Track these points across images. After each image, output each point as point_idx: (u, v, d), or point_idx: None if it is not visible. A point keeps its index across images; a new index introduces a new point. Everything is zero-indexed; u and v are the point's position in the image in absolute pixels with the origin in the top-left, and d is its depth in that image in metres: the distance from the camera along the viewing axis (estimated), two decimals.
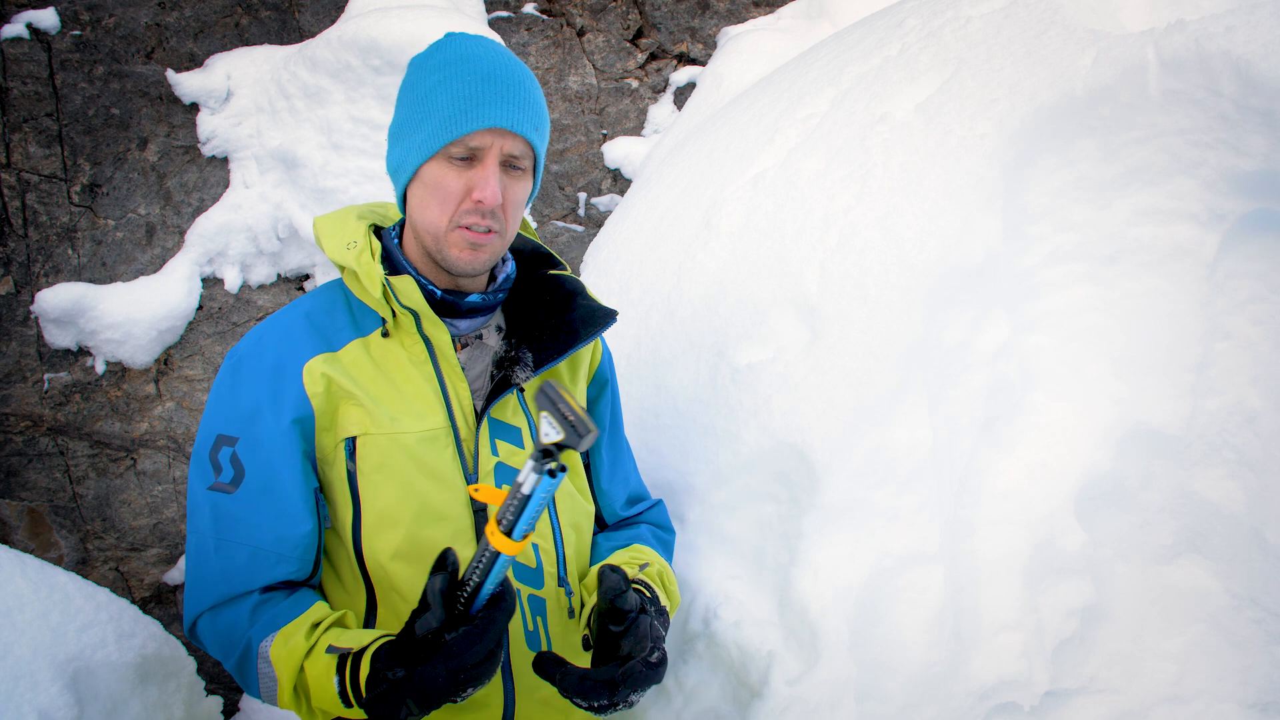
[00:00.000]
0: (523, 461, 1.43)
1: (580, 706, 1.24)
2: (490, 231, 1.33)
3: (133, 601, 3.14)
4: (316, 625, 1.29)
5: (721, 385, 1.92)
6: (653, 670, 1.25)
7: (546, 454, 1.10)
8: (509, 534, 1.12)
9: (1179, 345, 1.95)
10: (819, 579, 1.72)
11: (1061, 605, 1.92)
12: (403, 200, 1.41)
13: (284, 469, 1.32)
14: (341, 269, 1.42)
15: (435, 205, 1.33)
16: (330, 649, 1.24)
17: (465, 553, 1.36)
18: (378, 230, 1.48)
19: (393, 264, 1.42)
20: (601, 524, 1.64)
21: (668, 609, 1.46)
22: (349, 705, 1.19)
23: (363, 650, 1.20)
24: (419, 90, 1.35)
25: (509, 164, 1.34)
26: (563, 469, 1.10)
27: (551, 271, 1.54)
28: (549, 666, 1.25)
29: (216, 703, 2.34)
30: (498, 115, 1.30)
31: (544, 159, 1.43)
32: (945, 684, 1.78)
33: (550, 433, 1.10)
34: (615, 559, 1.52)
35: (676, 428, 1.98)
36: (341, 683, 1.19)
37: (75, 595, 1.78)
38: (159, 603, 3.19)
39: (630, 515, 1.66)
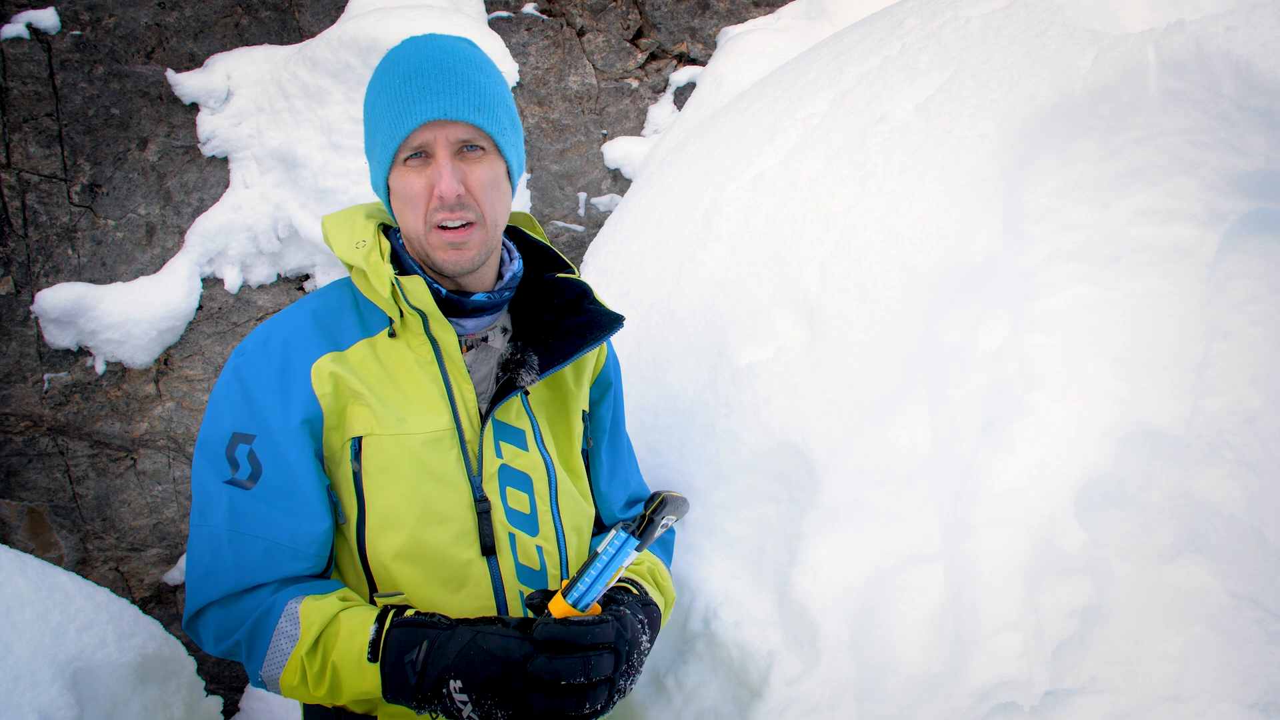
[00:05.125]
0: (526, 464, 1.44)
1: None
2: (468, 225, 1.33)
3: (133, 601, 3.14)
4: (348, 599, 1.32)
5: (721, 385, 1.92)
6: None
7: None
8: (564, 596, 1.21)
9: (1179, 345, 1.95)
10: (819, 579, 1.72)
11: (1061, 605, 1.92)
12: (392, 213, 1.42)
13: (300, 467, 1.32)
14: (350, 268, 1.42)
15: (409, 212, 1.34)
16: (380, 596, 1.33)
17: (467, 554, 1.37)
18: (386, 230, 1.49)
19: (401, 264, 1.42)
20: (600, 526, 1.64)
21: (658, 603, 1.46)
22: (374, 659, 1.21)
23: (408, 607, 1.28)
24: (368, 107, 1.39)
25: (465, 149, 1.34)
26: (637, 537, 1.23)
27: (559, 275, 1.54)
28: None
29: (216, 703, 2.34)
30: (427, 109, 1.30)
31: (510, 134, 1.40)
32: (945, 684, 1.78)
33: (668, 520, 1.24)
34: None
35: (676, 428, 1.98)
36: (379, 630, 1.22)
37: (75, 595, 1.78)
38: (159, 603, 3.19)
39: (628, 518, 1.66)
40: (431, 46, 1.36)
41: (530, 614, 1.30)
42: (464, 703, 1.15)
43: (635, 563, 1.52)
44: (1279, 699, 1.86)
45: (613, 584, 1.20)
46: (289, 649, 1.26)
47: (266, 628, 1.28)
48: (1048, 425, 1.98)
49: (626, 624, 1.24)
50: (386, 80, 1.34)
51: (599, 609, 1.22)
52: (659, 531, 1.23)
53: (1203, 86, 1.77)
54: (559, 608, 1.19)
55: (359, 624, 1.25)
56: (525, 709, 1.14)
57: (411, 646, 1.20)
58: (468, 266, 1.36)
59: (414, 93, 1.30)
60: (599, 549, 1.21)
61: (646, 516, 1.23)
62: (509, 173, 1.41)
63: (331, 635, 1.26)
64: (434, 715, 1.20)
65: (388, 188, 1.37)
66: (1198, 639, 1.94)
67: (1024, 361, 1.99)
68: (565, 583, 1.22)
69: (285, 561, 1.32)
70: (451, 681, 1.16)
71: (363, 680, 1.22)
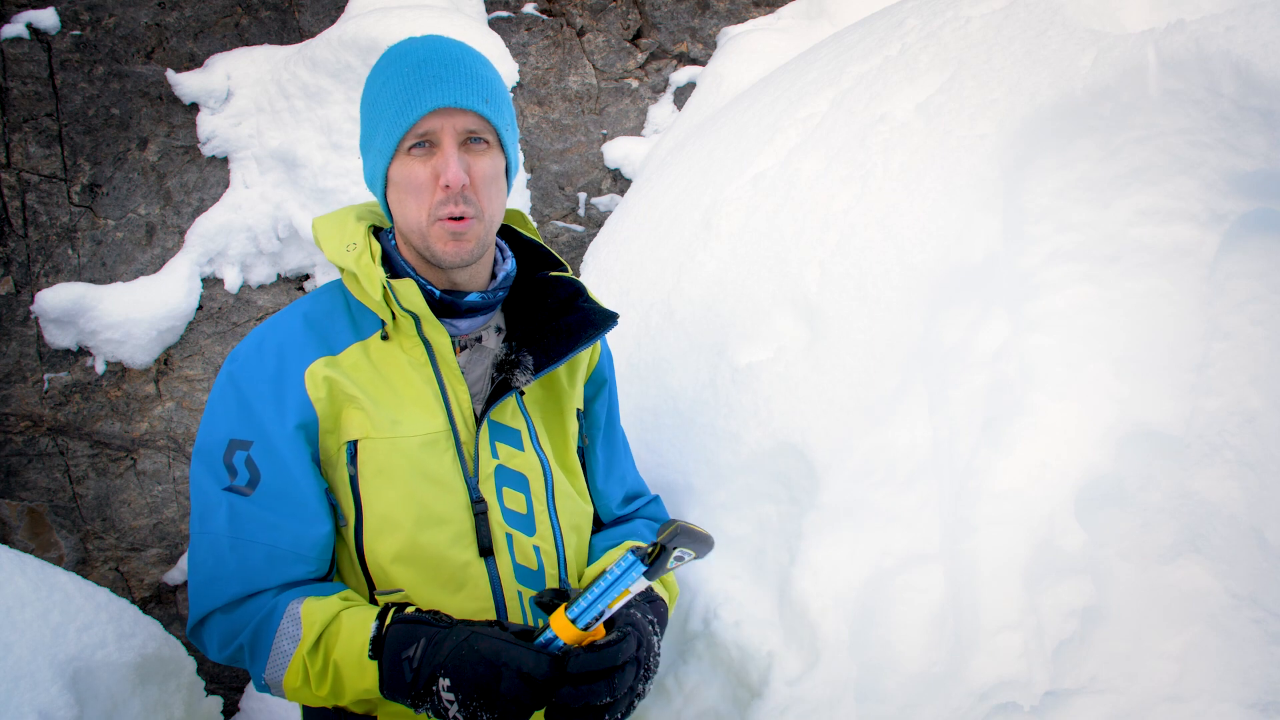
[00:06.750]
0: (522, 464, 1.44)
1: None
2: (466, 218, 1.32)
3: (133, 601, 3.14)
4: (350, 600, 1.33)
5: (721, 385, 1.92)
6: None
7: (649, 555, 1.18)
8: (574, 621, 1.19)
9: (1179, 345, 1.95)
10: (819, 579, 1.72)
11: (1061, 605, 1.92)
12: (387, 209, 1.41)
13: (298, 471, 1.32)
14: (341, 271, 1.42)
15: (411, 202, 1.33)
16: (380, 594, 1.34)
17: (464, 555, 1.36)
18: (377, 232, 1.48)
19: (393, 266, 1.41)
20: (599, 524, 1.64)
21: (664, 599, 1.46)
22: (375, 657, 1.21)
23: (409, 605, 1.28)
24: (369, 100, 1.38)
25: (469, 140, 1.33)
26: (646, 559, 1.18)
27: (552, 273, 1.54)
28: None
29: (216, 703, 2.34)
30: (438, 96, 1.30)
31: (511, 131, 1.41)
32: (945, 684, 1.78)
33: (685, 555, 1.20)
34: (609, 557, 1.53)
35: (677, 428, 1.98)
36: (380, 626, 1.23)
37: (75, 595, 1.78)
38: (159, 603, 3.19)
39: (626, 514, 1.66)
40: (437, 41, 1.37)
41: (540, 611, 1.30)
42: (450, 701, 1.14)
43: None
44: (1279, 699, 1.86)
45: (617, 607, 1.18)
46: (291, 650, 1.26)
47: (269, 630, 1.28)
48: (1048, 425, 1.98)
49: (642, 630, 1.26)
50: (393, 70, 1.33)
51: (603, 629, 1.22)
52: (673, 565, 1.20)
53: (1203, 86, 1.77)
54: (559, 623, 1.18)
55: (360, 622, 1.25)
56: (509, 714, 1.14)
57: (410, 643, 1.20)
58: (467, 258, 1.35)
59: (423, 80, 1.30)
60: (607, 566, 1.21)
61: (659, 545, 1.18)
62: (507, 170, 1.41)
63: (333, 634, 1.26)
64: (430, 715, 1.21)
65: (385, 180, 1.36)
66: (1198, 639, 1.94)
67: (1024, 361, 1.99)
68: (570, 596, 1.22)
69: (288, 566, 1.32)
70: (441, 679, 1.15)
71: (364, 678, 1.22)
